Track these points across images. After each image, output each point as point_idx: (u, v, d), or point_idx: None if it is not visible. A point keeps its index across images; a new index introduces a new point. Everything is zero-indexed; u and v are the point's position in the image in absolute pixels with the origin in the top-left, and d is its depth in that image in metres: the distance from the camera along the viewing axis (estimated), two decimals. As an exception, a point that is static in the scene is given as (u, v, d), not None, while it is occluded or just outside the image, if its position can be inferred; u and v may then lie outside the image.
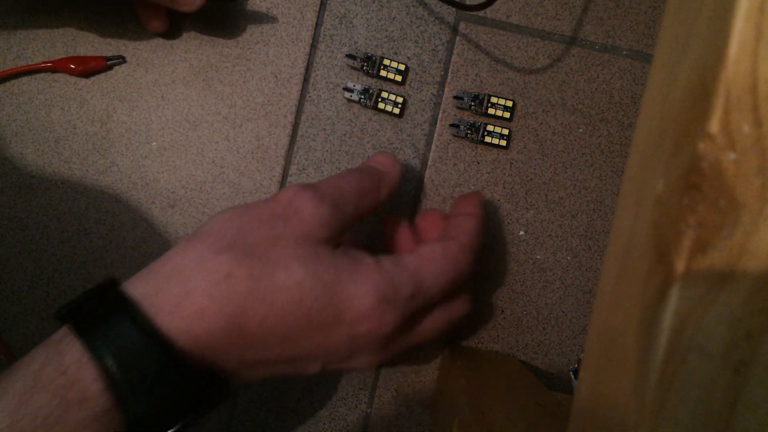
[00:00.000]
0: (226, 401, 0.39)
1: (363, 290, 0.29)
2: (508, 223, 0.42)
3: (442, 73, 0.42)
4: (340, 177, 0.32)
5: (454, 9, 0.41)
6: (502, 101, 0.41)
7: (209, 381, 0.28)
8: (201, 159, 0.41)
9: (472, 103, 0.41)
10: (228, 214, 0.30)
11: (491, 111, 0.41)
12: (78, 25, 0.41)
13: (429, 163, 0.42)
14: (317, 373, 0.31)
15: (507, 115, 0.41)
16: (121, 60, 0.41)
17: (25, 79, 0.41)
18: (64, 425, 0.24)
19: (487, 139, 0.41)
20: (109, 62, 0.40)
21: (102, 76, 0.41)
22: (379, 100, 0.41)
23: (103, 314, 0.26)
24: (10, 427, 0.23)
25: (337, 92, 0.42)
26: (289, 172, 0.42)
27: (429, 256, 0.32)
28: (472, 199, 0.37)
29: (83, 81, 0.41)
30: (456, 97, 0.41)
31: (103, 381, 0.25)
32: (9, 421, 0.24)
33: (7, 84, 0.41)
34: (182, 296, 0.27)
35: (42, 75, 0.41)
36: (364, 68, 0.41)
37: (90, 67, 0.40)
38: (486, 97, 0.41)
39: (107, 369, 0.25)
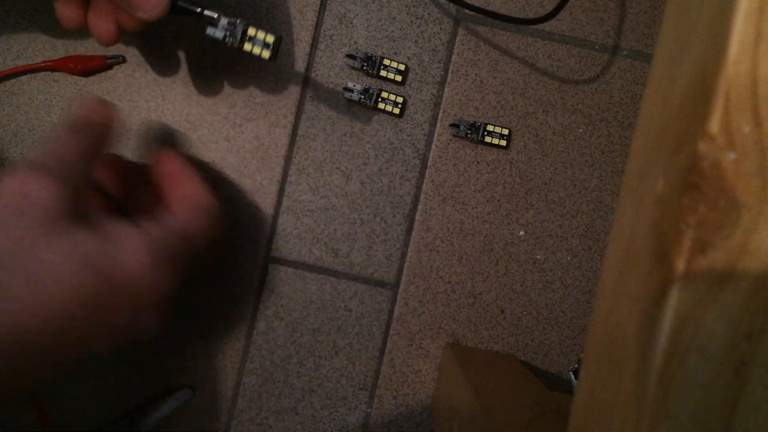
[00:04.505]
0: None
1: (134, 256, 0.29)
2: (508, 223, 0.42)
3: (442, 73, 0.42)
4: (59, 144, 0.30)
5: (453, 9, 0.41)
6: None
7: None
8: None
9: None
10: None
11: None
12: (78, 24, 0.41)
13: (429, 163, 0.42)
14: (107, 350, 0.30)
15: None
16: (122, 59, 0.41)
17: (25, 78, 0.41)
18: None
19: (487, 139, 0.41)
20: (109, 61, 0.40)
21: (102, 75, 0.41)
22: (379, 100, 0.41)
23: None
24: None
25: (337, 92, 0.42)
26: (289, 172, 0.42)
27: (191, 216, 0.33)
28: (169, 161, 0.36)
29: (83, 80, 0.41)
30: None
31: None
32: None
33: (7, 84, 0.41)
34: None
35: (42, 74, 0.41)
36: (364, 68, 0.41)
37: (90, 67, 0.40)
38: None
39: None
